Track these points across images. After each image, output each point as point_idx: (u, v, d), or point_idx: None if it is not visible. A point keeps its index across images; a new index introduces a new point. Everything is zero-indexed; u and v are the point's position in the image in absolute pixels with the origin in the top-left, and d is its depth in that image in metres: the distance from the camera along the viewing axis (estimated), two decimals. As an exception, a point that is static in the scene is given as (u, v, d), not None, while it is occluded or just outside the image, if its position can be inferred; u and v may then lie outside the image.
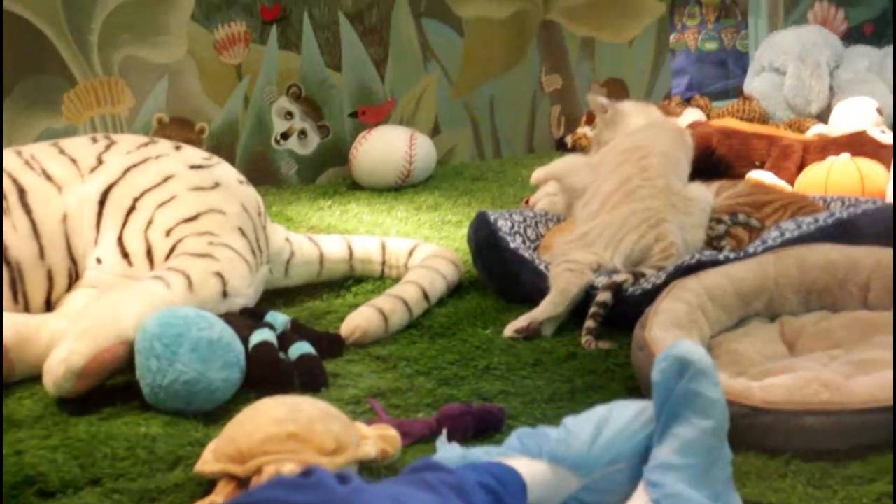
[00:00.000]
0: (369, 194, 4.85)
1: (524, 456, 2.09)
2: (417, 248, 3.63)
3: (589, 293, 3.21)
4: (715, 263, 3.11)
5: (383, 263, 3.65)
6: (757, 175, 4.25)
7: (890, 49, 5.71)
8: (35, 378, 2.82)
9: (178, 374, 2.67)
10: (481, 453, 2.11)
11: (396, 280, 3.51)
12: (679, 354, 2.06)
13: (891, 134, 4.47)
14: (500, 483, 1.97)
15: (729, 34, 6.65)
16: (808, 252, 3.09)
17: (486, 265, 3.47)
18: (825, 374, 2.49)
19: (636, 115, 3.93)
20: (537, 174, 3.95)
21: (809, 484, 2.24)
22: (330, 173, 5.20)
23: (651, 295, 3.00)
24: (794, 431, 2.33)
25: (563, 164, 3.90)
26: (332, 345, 3.06)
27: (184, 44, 4.90)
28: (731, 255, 3.19)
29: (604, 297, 3.14)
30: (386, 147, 4.96)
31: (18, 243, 3.13)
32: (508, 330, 3.15)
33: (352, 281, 3.63)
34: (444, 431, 2.34)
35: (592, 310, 3.12)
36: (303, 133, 5.16)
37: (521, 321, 3.16)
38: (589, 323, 3.10)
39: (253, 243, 3.30)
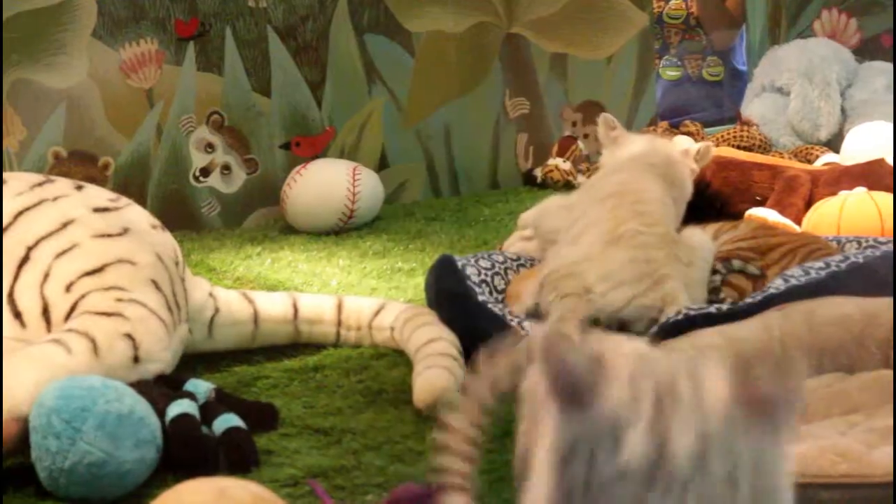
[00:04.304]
0: (305, 239, 4.86)
1: None
2: (386, 308, 3.61)
3: None
4: (707, 319, 3.14)
5: (339, 324, 3.63)
6: (757, 213, 4.28)
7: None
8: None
9: (81, 456, 2.67)
10: None
11: (356, 346, 3.54)
12: None
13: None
14: None
15: (693, 62, 6.71)
16: (819, 306, 3.11)
17: (448, 319, 3.46)
18: (843, 442, 2.51)
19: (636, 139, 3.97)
20: (524, 218, 4.01)
21: (827, 571, 2.26)
22: (259, 215, 5.21)
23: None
24: (808, 510, 2.35)
25: (542, 206, 3.95)
26: (264, 416, 3.07)
27: (84, 65, 4.91)
28: (725, 308, 3.22)
29: None
30: (324, 184, 4.98)
31: None
32: None
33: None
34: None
35: None
36: (226, 168, 5.17)
37: None
38: None
39: (169, 298, 3.31)
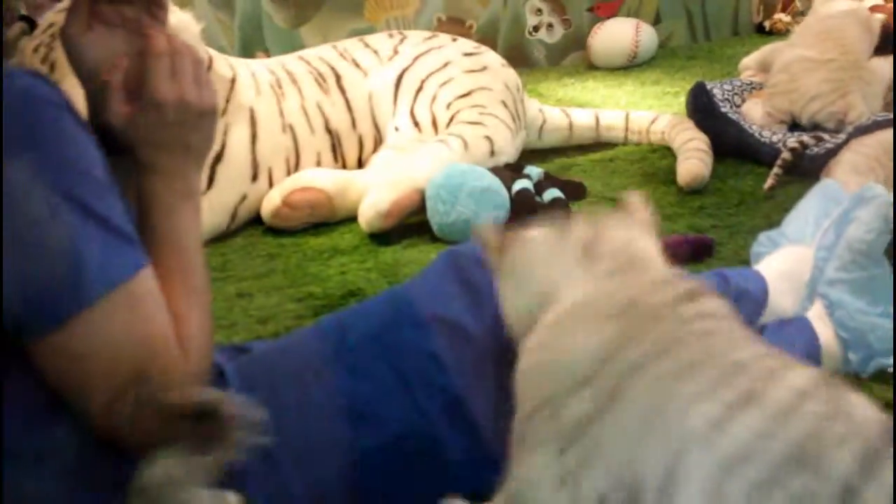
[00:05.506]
0: (603, 73, 4.77)
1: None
2: (659, 118, 3.53)
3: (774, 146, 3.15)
4: (888, 122, 3.00)
5: (626, 130, 3.57)
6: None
7: None
8: (352, 218, 2.95)
9: (459, 215, 2.75)
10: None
11: (638, 144, 3.50)
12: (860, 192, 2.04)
13: None
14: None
15: None
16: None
17: (701, 125, 3.38)
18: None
19: None
20: (745, 61, 3.90)
21: None
22: (572, 58, 5.13)
23: (833, 152, 2.93)
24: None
25: (762, 50, 3.85)
26: (577, 190, 3.08)
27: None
28: (902, 115, 3.07)
29: (788, 155, 3.04)
30: (616, 35, 4.86)
31: (337, 116, 3.24)
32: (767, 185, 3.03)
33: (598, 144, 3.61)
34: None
35: (779, 163, 3.03)
36: (550, 26, 5.11)
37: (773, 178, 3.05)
38: (776, 170, 3.02)
39: (513, 113, 3.32)
